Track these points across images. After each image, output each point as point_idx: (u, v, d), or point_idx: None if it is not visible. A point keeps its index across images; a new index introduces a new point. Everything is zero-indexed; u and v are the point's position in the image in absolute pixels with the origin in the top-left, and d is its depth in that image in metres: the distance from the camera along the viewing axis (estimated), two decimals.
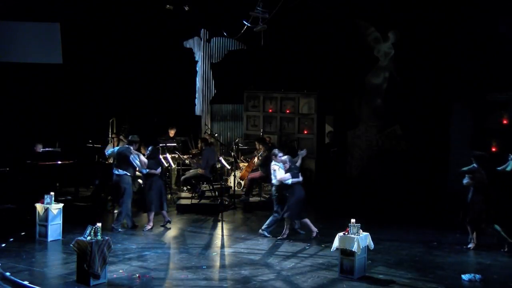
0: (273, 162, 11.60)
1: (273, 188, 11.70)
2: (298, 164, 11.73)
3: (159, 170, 12.36)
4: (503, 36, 13.01)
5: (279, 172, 11.40)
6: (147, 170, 12.13)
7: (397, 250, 10.72)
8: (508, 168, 10.66)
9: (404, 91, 15.03)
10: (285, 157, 11.54)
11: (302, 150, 12.48)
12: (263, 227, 11.58)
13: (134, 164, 11.94)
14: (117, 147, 12.48)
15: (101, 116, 16.95)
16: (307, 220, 11.47)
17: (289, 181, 11.31)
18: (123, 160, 11.91)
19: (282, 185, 11.42)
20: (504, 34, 12.99)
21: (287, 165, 11.38)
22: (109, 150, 12.72)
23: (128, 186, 11.92)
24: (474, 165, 10.68)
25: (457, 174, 11.01)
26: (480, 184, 10.62)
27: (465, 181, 10.76)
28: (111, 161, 14.76)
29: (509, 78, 12.79)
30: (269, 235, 11.49)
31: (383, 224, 12.57)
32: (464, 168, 10.79)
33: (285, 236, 11.36)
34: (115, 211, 13.60)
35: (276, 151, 11.83)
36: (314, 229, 11.44)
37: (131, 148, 12.01)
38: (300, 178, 11.46)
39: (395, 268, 9.62)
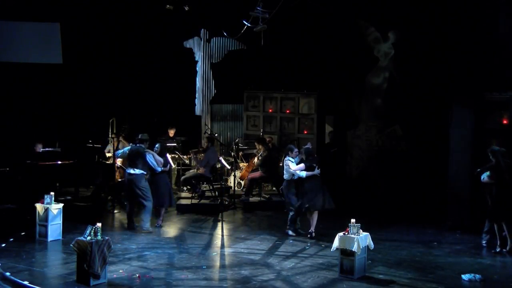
0: (287, 158, 11.63)
1: (284, 184, 11.72)
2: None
3: (168, 167, 12.51)
4: (503, 36, 13.00)
5: (292, 165, 11.43)
6: (162, 168, 12.18)
7: (397, 250, 10.73)
8: None
9: (404, 91, 15.01)
10: (303, 148, 11.67)
11: (306, 145, 12.30)
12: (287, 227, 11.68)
13: (150, 163, 11.96)
14: (127, 148, 12.37)
15: (101, 116, 16.95)
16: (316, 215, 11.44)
17: (303, 174, 11.27)
18: (138, 158, 11.89)
19: (295, 180, 11.45)
20: (504, 34, 12.98)
21: (301, 156, 11.44)
22: (119, 151, 12.65)
23: (146, 184, 11.94)
24: (493, 160, 10.57)
25: (476, 175, 10.90)
26: (501, 179, 10.48)
27: (484, 178, 10.64)
28: (111, 161, 14.80)
29: (509, 78, 12.78)
30: (293, 234, 11.57)
31: (383, 224, 12.58)
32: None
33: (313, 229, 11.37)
34: (115, 211, 13.63)
35: (292, 146, 11.98)
36: (312, 229, 11.43)
37: (143, 146, 12.03)
38: (317, 171, 11.39)
39: (395, 268, 9.63)
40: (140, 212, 12.05)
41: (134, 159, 11.93)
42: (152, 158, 11.98)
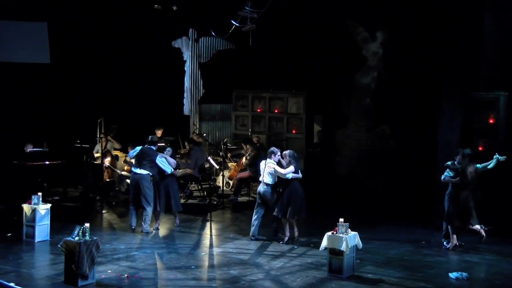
0: (269, 160, 11.23)
1: (267, 188, 11.26)
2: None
3: (177, 171, 12.49)
4: (489, 36, 13.09)
5: (279, 168, 11.07)
6: (172, 170, 12.17)
7: (386, 249, 10.76)
8: (490, 166, 10.71)
9: (393, 90, 15.07)
10: (286, 152, 11.28)
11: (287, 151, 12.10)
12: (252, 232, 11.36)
13: (160, 165, 11.95)
14: (139, 147, 12.22)
15: (89, 116, 16.86)
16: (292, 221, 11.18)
17: (289, 176, 11.00)
18: (146, 159, 11.91)
19: (278, 182, 11.21)
20: (490, 34, 13.07)
21: (285, 160, 11.14)
22: (131, 152, 12.56)
23: (150, 185, 11.95)
24: (458, 162, 10.77)
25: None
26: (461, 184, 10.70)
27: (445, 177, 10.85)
28: (99, 161, 14.74)
29: (496, 77, 12.87)
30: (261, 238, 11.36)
31: (372, 223, 12.62)
32: (448, 163, 10.89)
33: (286, 237, 11.13)
34: (104, 212, 13.57)
35: (274, 149, 11.44)
36: (287, 234, 11.15)
37: (154, 148, 12.08)
38: (300, 175, 11.20)
39: (384, 267, 9.65)
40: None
41: (142, 159, 11.94)
42: (164, 161, 12.01)
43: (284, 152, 11.34)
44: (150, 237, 11.53)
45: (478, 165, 10.78)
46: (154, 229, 12.04)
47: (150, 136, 12.45)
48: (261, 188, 11.36)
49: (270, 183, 11.26)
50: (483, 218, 10.90)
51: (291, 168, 11.03)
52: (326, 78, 16.13)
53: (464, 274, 9.15)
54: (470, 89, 12.86)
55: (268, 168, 11.21)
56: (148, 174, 11.92)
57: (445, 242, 10.92)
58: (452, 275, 9.15)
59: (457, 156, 10.85)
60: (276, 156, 11.26)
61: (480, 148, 12.48)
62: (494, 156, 10.66)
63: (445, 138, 12.96)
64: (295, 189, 11.09)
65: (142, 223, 11.83)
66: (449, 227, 10.86)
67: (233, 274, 9.19)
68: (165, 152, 12.33)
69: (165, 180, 12.17)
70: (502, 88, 12.53)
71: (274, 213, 11.20)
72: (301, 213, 11.22)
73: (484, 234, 10.66)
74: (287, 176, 11.03)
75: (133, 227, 11.93)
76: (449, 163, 10.89)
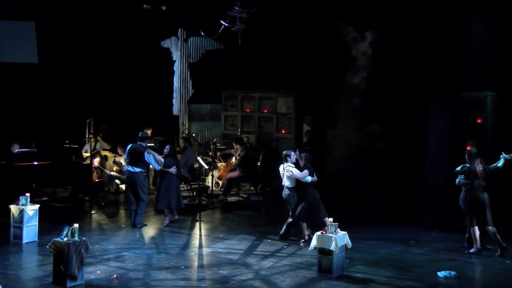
0: (286, 165, 11.12)
1: (289, 192, 11.17)
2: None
3: (173, 169, 12.42)
4: (476, 36, 13.18)
5: (296, 172, 10.96)
6: (160, 168, 12.24)
7: (376, 249, 10.78)
8: (499, 165, 10.48)
9: (382, 90, 15.12)
10: (302, 154, 11.15)
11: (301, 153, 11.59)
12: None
13: (148, 161, 12.05)
14: (130, 145, 12.32)
15: (78, 116, 16.77)
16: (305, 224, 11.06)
17: (308, 179, 10.90)
18: (137, 157, 12.04)
19: (298, 186, 11.09)
20: (477, 34, 13.17)
21: (302, 162, 11.02)
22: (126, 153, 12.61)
23: (145, 182, 12.18)
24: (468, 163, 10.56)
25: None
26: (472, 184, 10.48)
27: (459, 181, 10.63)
28: (88, 161, 14.67)
29: (483, 77, 12.96)
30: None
31: (362, 223, 12.64)
32: (458, 168, 10.64)
33: (306, 238, 10.92)
34: (93, 212, 13.51)
35: (288, 152, 11.30)
36: (306, 234, 11.01)
37: (144, 144, 12.17)
38: (315, 178, 11.08)
39: (374, 267, 9.67)
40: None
41: (134, 157, 12.07)
42: (152, 158, 12.07)
43: (300, 154, 11.22)
44: (139, 238, 11.50)
45: (487, 166, 10.63)
46: (164, 225, 12.28)
47: (140, 133, 12.59)
48: (283, 192, 11.33)
49: (290, 186, 11.17)
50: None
51: (305, 172, 10.92)
52: (315, 78, 16.17)
53: (452, 272, 9.20)
54: (458, 89, 12.94)
55: (286, 172, 11.13)
56: (142, 171, 12.08)
57: (469, 247, 10.58)
58: (441, 274, 9.19)
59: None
60: (292, 157, 11.17)
61: (468, 148, 12.56)
62: (501, 156, 10.46)
63: (434, 138, 13.03)
64: (309, 193, 10.97)
65: (136, 217, 11.97)
66: (472, 230, 10.51)
67: (223, 274, 9.18)
68: (164, 150, 12.55)
69: (166, 177, 12.32)
70: (489, 88, 12.61)
71: (293, 217, 11.09)
72: (316, 216, 10.98)
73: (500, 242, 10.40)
74: (306, 179, 10.92)
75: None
76: (458, 168, 10.61)
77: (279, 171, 11.42)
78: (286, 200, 11.34)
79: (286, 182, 11.23)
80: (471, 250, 10.52)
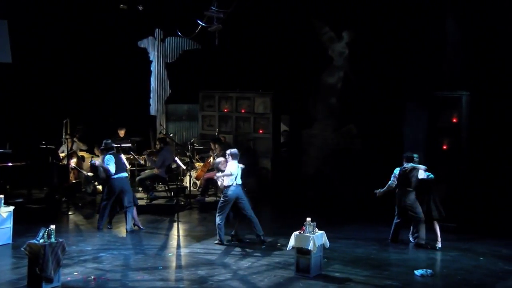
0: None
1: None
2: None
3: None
4: (451, 37, 13.35)
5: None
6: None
7: (353, 248, 10.85)
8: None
9: (359, 90, 15.21)
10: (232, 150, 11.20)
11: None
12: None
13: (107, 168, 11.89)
14: (111, 156, 11.92)
15: (54, 117, 16.62)
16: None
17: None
18: (122, 162, 12.22)
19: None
20: (452, 35, 13.33)
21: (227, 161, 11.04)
22: (109, 163, 12.38)
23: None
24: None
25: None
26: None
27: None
28: (65, 162, 14.55)
29: (458, 77, 13.11)
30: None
31: (339, 222, 12.70)
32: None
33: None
34: (70, 213, 13.39)
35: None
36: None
37: (115, 151, 12.21)
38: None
39: (351, 266, 9.73)
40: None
41: (120, 163, 12.04)
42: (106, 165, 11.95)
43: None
44: (117, 238, 11.42)
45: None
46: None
47: (104, 143, 12.08)
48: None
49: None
50: (447, 216, 11.08)
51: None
52: (292, 78, 16.21)
53: (429, 271, 9.32)
54: (434, 89, 13.08)
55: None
56: (126, 176, 12.22)
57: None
58: (418, 272, 9.29)
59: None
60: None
61: (445, 147, 12.70)
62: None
63: (410, 137, 13.14)
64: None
65: (126, 224, 11.88)
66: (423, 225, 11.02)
67: (200, 275, 9.17)
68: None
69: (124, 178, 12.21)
70: (464, 88, 12.76)
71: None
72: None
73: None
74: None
75: (132, 229, 11.91)
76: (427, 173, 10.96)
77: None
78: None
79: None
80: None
